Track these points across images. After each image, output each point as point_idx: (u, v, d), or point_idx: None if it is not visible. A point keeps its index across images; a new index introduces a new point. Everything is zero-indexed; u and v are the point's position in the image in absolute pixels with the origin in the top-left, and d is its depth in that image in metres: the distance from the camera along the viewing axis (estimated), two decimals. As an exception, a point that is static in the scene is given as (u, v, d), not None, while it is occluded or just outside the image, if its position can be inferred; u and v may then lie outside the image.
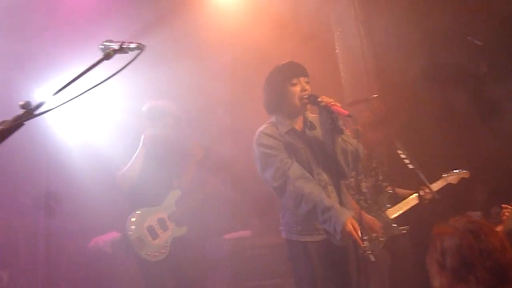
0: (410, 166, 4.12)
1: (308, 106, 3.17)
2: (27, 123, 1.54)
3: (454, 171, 4.42)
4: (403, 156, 4.15)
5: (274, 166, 3.05)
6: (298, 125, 3.23)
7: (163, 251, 3.93)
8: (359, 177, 4.15)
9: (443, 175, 4.40)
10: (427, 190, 4.21)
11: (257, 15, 5.21)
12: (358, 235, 2.83)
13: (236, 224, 5.14)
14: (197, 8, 5.27)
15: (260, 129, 3.20)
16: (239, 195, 5.02)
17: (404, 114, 4.94)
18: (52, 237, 4.33)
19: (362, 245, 2.91)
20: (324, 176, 3.14)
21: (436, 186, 4.33)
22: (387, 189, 4.46)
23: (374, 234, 4.18)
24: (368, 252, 3.83)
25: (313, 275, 3.04)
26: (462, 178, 4.43)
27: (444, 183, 4.35)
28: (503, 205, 3.27)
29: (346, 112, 2.95)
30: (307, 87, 3.13)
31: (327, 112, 3.02)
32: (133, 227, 3.90)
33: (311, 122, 3.23)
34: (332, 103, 2.97)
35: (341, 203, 3.03)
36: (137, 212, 3.96)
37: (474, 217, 2.15)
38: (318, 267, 3.05)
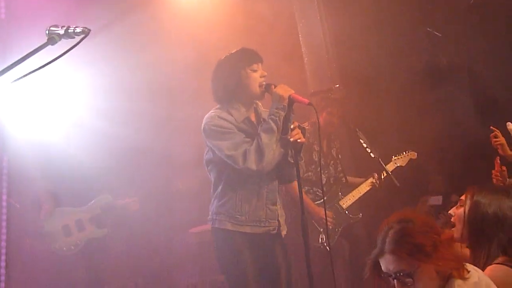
0: (372, 155, 4.18)
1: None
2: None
3: (403, 153, 4.51)
4: (364, 145, 4.20)
5: (232, 139, 2.95)
6: (252, 117, 3.13)
7: (72, 247, 4.28)
8: (318, 169, 4.14)
9: (393, 158, 4.48)
10: (376, 177, 4.30)
11: (221, 9, 5.15)
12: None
13: (202, 217, 5.09)
14: (162, 2, 5.17)
15: (211, 113, 3.05)
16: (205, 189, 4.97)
17: (363, 102, 4.98)
18: (11, 237, 4.24)
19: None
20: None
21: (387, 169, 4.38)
22: (342, 179, 4.51)
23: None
24: (324, 243, 4.05)
25: (245, 267, 3.05)
26: (411, 161, 4.51)
27: (394, 166, 4.43)
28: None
29: (307, 100, 2.92)
30: (265, 73, 3.05)
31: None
32: (45, 222, 4.25)
33: (264, 119, 3.08)
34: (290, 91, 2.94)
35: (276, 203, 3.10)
36: (56, 208, 4.28)
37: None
38: (251, 260, 3.06)
